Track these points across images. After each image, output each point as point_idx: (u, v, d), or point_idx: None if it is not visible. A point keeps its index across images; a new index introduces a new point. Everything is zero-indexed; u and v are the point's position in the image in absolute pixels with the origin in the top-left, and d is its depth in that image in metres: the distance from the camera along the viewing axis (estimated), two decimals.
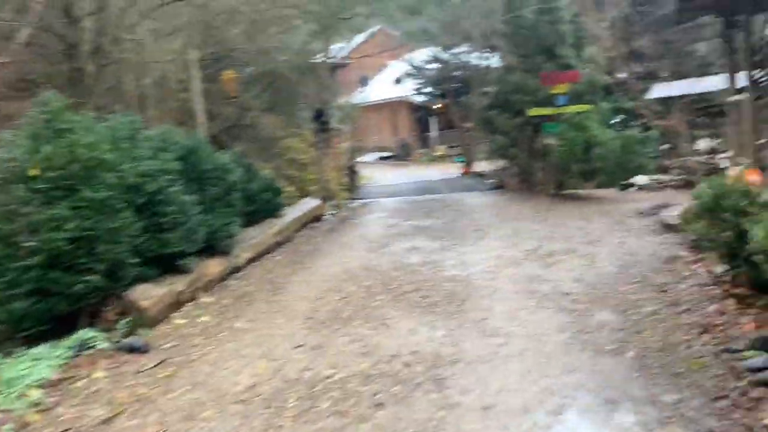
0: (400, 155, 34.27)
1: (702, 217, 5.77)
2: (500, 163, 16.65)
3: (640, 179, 14.84)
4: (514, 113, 14.54)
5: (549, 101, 13.69)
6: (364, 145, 40.54)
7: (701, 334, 4.84)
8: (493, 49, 22.01)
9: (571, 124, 13.04)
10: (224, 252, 7.98)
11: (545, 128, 13.75)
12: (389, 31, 38.24)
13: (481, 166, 22.71)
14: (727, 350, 4.48)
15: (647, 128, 13.98)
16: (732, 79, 10.63)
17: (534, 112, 13.66)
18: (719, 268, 6.24)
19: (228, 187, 8.16)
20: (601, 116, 13.43)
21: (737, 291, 5.40)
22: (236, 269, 8.03)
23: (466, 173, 21.92)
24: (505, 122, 14.50)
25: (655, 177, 15.25)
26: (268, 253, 9.06)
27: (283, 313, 6.25)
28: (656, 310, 5.45)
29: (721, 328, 4.91)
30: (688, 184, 13.72)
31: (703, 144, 14.39)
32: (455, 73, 24.45)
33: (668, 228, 8.65)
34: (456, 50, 23.93)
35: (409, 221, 11.39)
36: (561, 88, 13.33)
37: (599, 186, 14.56)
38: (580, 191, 14.27)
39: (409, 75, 27.89)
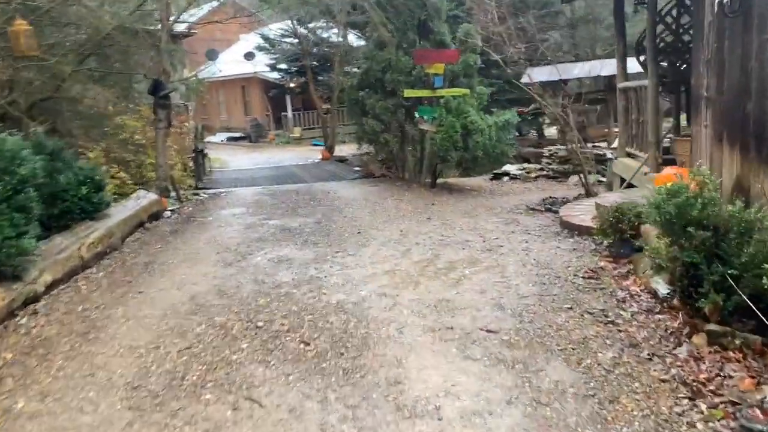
0: (252, 136, 31.67)
1: (666, 232, 4.54)
2: (366, 149, 15.12)
3: (511, 168, 14.06)
4: (386, 94, 13.03)
5: (425, 82, 12.33)
6: (212, 125, 37.31)
7: (692, 399, 3.56)
8: (355, 26, 20.41)
9: (449, 108, 11.77)
10: (14, 276, 5.58)
11: (420, 112, 12.38)
12: (241, 3, 35.10)
13: (343, 150, 21.12)
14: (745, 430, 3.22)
15: (536, 114, 13.18)
16: (622, 65, 9.87)
17: (409, 93, 12.22)
18: (662, 288, 5.12)
19: (17, 183, 5.71)
20: (479, 101, 12.32)
21: (709, 327, 4.22)
22: (33, 299, 5.65)
23: (326, 158, 20.19)
24: (377, 104, 12.94)
25: (525, 166, 14.57)
26: (85, 269, 6.68)
27: (95, 381, 4.12)
28: (616, 357, 4.12)
29: (711, 387, 3.67)
30: (562, 174, 13.11)
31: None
32: (315, 50, 22.50)
33: (571, 229, 7.58)
34: (314, 24, 21.98)
35: (272, 220, 9.42)
36: (437, 68, 12.00)
37: (468, 175, 13.60)
38: (451, 180, 13.18)
39: (261, 49, 25.36)
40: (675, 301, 4.93)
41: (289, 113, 30.91)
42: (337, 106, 20.30)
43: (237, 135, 33.25)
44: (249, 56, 31.23)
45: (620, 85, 9.69)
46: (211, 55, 38.01)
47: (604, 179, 12.55)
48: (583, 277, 5.89)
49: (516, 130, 14.27)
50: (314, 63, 23.73)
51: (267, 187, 13.36)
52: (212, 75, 35.14)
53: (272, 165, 20.07)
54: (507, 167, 14.36)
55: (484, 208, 10.13)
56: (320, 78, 23.74)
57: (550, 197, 10.22)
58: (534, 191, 12.15)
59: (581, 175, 9.87)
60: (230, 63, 34.57)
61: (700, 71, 6.18)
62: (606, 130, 15.72)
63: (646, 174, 8.39)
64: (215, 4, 39.44)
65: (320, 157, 20.58)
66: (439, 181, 12.70)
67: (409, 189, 12.20)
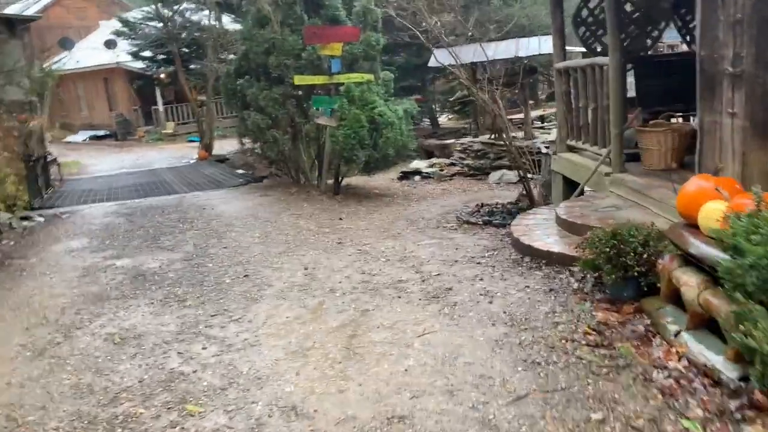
0: (119, 134, 27.63)
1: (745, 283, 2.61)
2: (251, 145, 12.56)
3: (421, 165, 12.09)
4: (271, 82, 10.55)
5: (319, 67, 9.98)
6: (72, 122, 32.56)
7: None
8: (229, 9, 17.57)
9: (352, 98, 9.52)
10: None
11: (316, 103, 10.04)
12: None
13: (224, 146, 18.28)
14: None
15: (464, 103, 11.25)
16: (560, 42, 8.07)
17: (300, 80, 9.83)
18: (728, 371, 3.23)
19: None
20: (385, 88, 10.17)
21: None
22: None
23: (203, 158, 17.27)
24: (260, 94, 10.42)
25: (435, 162, 12.67)
26: None
27: None
28: None
29: None
30: (479, 171, 11.31)
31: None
32: (183, 35, 19.33)
33: (533, 256, 5.62)
34: (181, 6, 18.82)
35: (123, 258, 6.71)
36: (333, 50, 9.69)
37: (371, 173, 11.49)
38: (355, 182, 10.99)
39: (120, 35, 21.67)
40: (757, 395, 3.05)
41: (160, 107, 27.23)
42: (214, 97, 17.42)
43: (101, 133, 28.97)
44: (110, 44, 27.07)
45: (559, 65, 7.88)
46: (65, 44, 33.13)
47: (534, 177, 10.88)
48: (588, 345, 3.90)
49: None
50: (184, 49, 20.49)
51: (126, 203, 10.43)
52: (68, 67, 30.53)
53: (139, 168, 16.86)
54: (416, 164, 12.39)
55: (405, 221, 8.02)
56: (192, 67, 20.57)
57: (482, 204, 8.29)
58: (454, 194, 10.23)
59: (521, 175, 7.98)
60: (90, 52, 30.12)
61: (718, 38, 4.36)
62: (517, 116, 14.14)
63: (607, 175, 6.64)
64: None
65: (197, 156, 17.62)
66: (343, 185, 10.47)
67: (308, 197, 9.85)
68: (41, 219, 9.34)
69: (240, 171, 13.47)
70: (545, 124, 19.19)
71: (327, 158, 10.05)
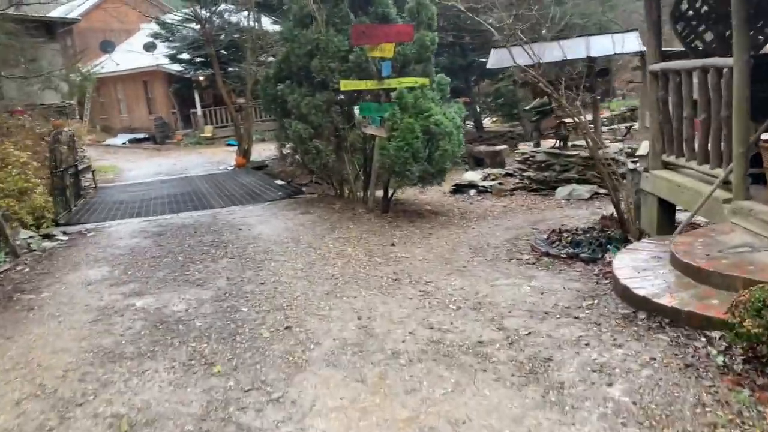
0: (157, 137, 27.08)
1: None
2: (291, 150, 11.52)
3: (476, 177, 10.87)
4: (313, 87, 9.50)
5: (367, 71, 8.90)
6: (112, 125, 32.31)
7: None
8: (268, 8, 16.67)
9: (404, 105, 8.38)
10: None
11: (363, 111, 8.96)
12: None
13: (263, 152, 17.37)
14: None
15: (542, 112, 10.10)
16: (656, 39, 6.78)
17: (346, 85, 8.76)
18: None
19: None
20: (441, 93, 9.01)
21: None
22: None
23: (241, 165, 16.36)
24: (302, 101, 9.38)
25: (489, 173, 11.44)
26: None
27: None
28: None
29: None
30: (544, 185, 10.04)
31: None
32: (222, 37, 18.49)
33: (650, 311, 4.37)
34: (220, 7, 17.99)
35: (145, 295, 5.70)
36: (384, 51, 8.58)
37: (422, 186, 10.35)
38: (404, 196, 9.85)
39: (157, 37, 20.98)
40: None
41: (198, 110, 26.60)
42: (252, 101, 16.50)
43: (140, 136, 28.53)
44: (149, 47, 26.51)
45: (655, 66, 6.59)
46: (107, 47, 32.88)
47: (601, 191, 9.58)
48: None
49: None
50: (222, 52, 19.69)
51: (157, 219, 9.50)
52: (109, 70, 30.22)
53: (175, 175, 16.06)
54: (470, 176, 11.18)
55: (468, 249, 6.85)
56: (230, 69, 19.72)
57: (560, 230, 7.03)
58: (518, 212, 9.00)
59: (613, 200, 6.66)
60: (130, 55, 29.74)
61: None
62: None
63: (726, 202, 5.36)
64: None
65: (234, 163, 16.73)
66: (393, 200, 9.35)
67: (354, 215, 8.75)
68: (64, 238, 8.47)
69: (279, 181, 12.47)
70: (606, 129, 17.75)
71: (375, 172, 8.94)
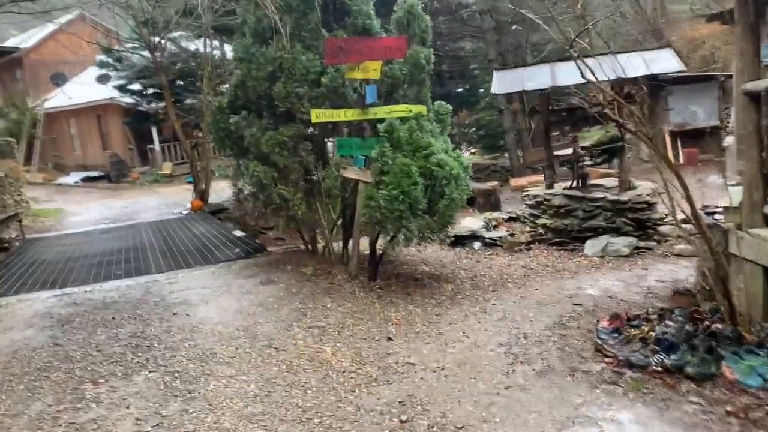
0: (113, 175, 24.46)
1: None
2: (250, 198, 9.21)
3: (476, 226, 8.76)
4: (277, 119, 7.33)
5: (344, 97, 6.77)
6: (63, 163, 29.53)
7: None
8: (228, 32, 14.53)
9: (397, 141, 6.24)
10: None
11: (342, 148, 6.80)
12: (94, 18, 27.93)
13: (223, 191, 15.00)
14: None
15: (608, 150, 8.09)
16: (753, 46, 4.80)
17: (320, 116, 6.59)
18: None
19: None
20: (441, 125, 6.89)
21: None
22: None
23: (197, 208, 14.00)
24: (262, 136, 7.16)
25: (490, 217, 9.33)
26: None
27: None
28: None
29: None
30: (564, 236, 7.97)
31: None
32: (177, 65, 16.27)
33: None
34: (174, 34, 15.76)
35: None
36: (368, 71, 6.46)
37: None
38: (395, 253, 7.63)
39: (103, 66, 18.61)
40: None
41: (156, 145, 24.14)
42: (210, 135, 14.21)
43: (95, 174, 25.85)
44: (103, 79, 24.01)
45: (755, 86, 4.62)
46: (58, 80, 30.33)
47: (641, 245, 7.55)
48: None
49: None
50: (179, 82, 17.46)
51: (73, 293, 7.05)
52: (45, 104, 27.59)
53: (121, 222, 13.63)
54: (469, 223, 9.03)
55: (499, 345, 4.64)
56: (188, 101, 17.45)
57: (626, 316, 4.86)
58: (545, 276, 6.85)
59: (718, 275, 4.52)
60: (83, 88, 27.21)
61: None
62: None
63: None
64: (65, 20, 31.86)
65: (190, 206, 14.36)
66: (384, 260, 7.13)
67: (333, 285, 6.48)
68: None
69: (238, 232, 10.14)
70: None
71: (358, 228, 6.73)
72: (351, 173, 6.61)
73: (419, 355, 4.59)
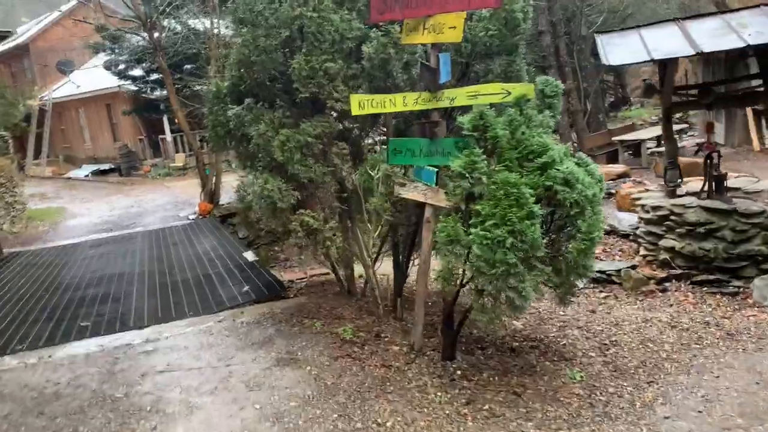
0: (123, 168, 22.21)
1: None
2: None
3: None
4: (297, 110, 4.84)
5: (392, 77, 4.23)
6: (74, 155, 27.38)
7: None
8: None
9: (494, 142, 3.71)
10: None
11: (400, 154, 4.28)
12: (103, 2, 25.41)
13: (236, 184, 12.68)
14: None
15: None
16: None
17: (365, 105, 4.08)
18: None
19: None
20: (551, 111, 4.30)
21: None
22: None
23: (205, 213, 11.62)
24: (274, 137, 4.68)
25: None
26: None
27: None
28: None
29: None
30: (699, 263, 5.39)
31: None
32: (179, 45, 13.76)
33: None
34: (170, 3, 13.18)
35: None
36: (443, 29, 3.91)
37: None
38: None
39: (98, 49, 16.15)
40: None
41: (168, 136, 21.78)
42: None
43: (105, 167, 23.62)
44: (111, 65, 21.70)
45: None
46: (65, 67, 28.10)
47: None
48: None
49: None
50: (186, 66, 14.99)
51: (7, 370, 4.74)
52: (69, 94, 25.31)
53: (119, 230, 11.39)
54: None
55: None
56: (197, 88, 14.97)
57: None
58: (719, 350, 4.25)
59: None
60: (91, 76, 24.92)
61: None
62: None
63: None
64: (71, 4, 29.42)
65: (197, 209, 12.00)
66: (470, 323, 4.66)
67: (390, 371, 4.04)
68: None
69: (249, 255, 7.69)
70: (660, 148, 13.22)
71: (424, 280, 4.23)
72: (414, 194, 4.10)
73: None
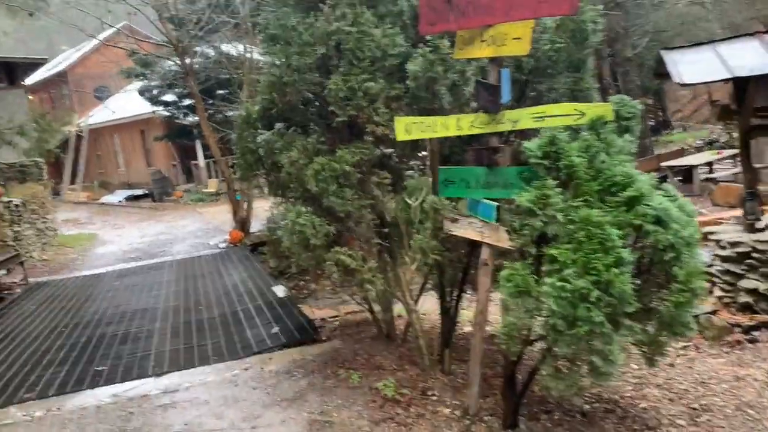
0: (156, 194, 22.15)
1: None
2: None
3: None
4: (333, 136, 4.29)
5: (447, 96, 3.65)
6: (108, 180, 27.55)
7: None
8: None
9: (570, 174, 3.08)
10: None
11: (450, 186, 3.68)
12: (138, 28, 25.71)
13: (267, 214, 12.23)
14: None
15: None
16: None
17: (411, 130, 3.50)
18: None
19: None
20: (629, 135, 3.67)
21: None
22: None
23: (236, 241, 11.18)
24: (307, 165, 4.14)
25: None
26: None
27: None
28: None
29: None
30: None
31: None
32: (211, 72, 13.55)
33: None
34: (202, 28, 12.97)
35: None
36: (506, 41, 3.34)
37: None
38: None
39: (130, 75, 16.07)
40: None
41: (201, 162, 21.67)
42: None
43: (139, 192, 23.64)
44: (144, 93, 21.80)
45: None
46: (101, 93, 28.47)
47: None
48: None
49: None
50: (219, 91, 14.77)
51: (10, 423, 4.26)
52: (105, 119, 25.51)
53: (147, 259, 11.05)
54: None
55: None
56: (230, 114, 14.72)
57: None
58: None
59: None
60: (126, 102, 25.11)
61: None
62: None
63: None
64: (109, 32, 29.90)
65: (228, 237, 11.57)
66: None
67: None
68: None
69: (280, 290, 7.14)
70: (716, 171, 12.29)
71: (480, 338, 3.60)
72: (469, 232, 3.49)
73: None
